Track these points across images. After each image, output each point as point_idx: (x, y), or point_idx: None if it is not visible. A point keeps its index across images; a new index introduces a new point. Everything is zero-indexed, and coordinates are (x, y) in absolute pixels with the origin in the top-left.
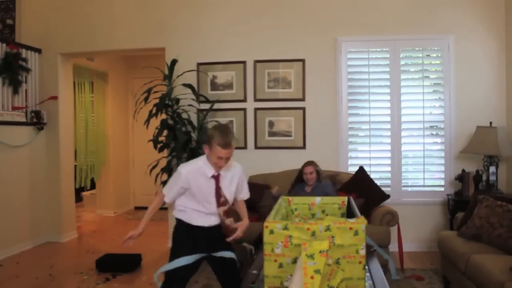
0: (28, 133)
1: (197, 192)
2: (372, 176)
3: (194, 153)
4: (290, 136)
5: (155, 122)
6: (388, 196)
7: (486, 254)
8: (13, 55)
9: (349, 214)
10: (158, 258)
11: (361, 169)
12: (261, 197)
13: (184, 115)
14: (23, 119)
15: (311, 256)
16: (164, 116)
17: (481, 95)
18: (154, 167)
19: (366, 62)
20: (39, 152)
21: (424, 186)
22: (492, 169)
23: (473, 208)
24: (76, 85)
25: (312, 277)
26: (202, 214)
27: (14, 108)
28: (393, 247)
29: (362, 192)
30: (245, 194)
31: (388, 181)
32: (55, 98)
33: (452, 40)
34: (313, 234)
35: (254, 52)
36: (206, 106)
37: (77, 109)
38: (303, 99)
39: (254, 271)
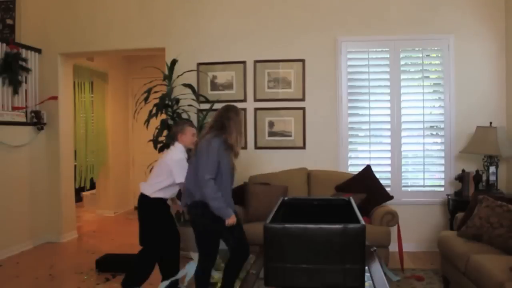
0: (28, 133)
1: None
2: None
3: None
4: (290, 136)
5: (155, 122)
6: (391, 197)
7: (486, 254)
8: (13, 55)
9: (350, 214)
10: None
11: (368, 167)
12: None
13: (184, 115)
14: (23, 119)
15: None
16: (164, 116)
17: (481, 95)
18: None
19: (366, 62)
20: (39, 152)
21: (424, 186)
22: (492, 169)
23: (473, 208)
24: (76, 85)
25: None
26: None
27: (14, 108)
28: (393, 247)
29: (366, 190)
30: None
31: (388, 181)
32: (55, 98)
33: (452, 40)
34: None
35: (254, 52)
36: (206, 106)
37: (77, 109)
38: (303, 99)
39: (254, 271)
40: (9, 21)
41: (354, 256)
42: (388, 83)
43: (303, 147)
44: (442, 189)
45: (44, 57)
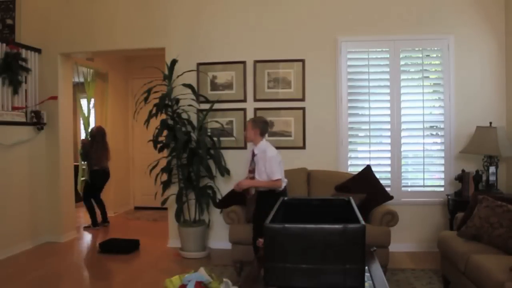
0: (28, 133)
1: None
2: None
3: (194, 153)
4: (290, 136)
5: (155, 122)
6: (391, 197)
7: (486, 254)
8: (13, 55)
9: (350, 215)
10: (158, 257)
11: (367, 167)
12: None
13: (184, 115)
14: (23, 119)
15: None
16: (164, 116)
17: (481, 95)
18: (154, 167)
19: (366, 62)
20: (39, 152)
21: (424, 186)
22: (492, 169)
23: (473, 208)
24: (76, 85)
25: None
26: None
27: (14, 108)
28: (393, 247)
29: (366, 190)
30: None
31: (388, 181)
32: (55, 98)
33: (452, 41)
34: None
35: (254, 52)
36: (206, 106)
37: (77, 109)
38: (303, 99)
39: (254, 271)
40: (9, 21)
41: (354, 256)
42: (388, 83)
43: (303, 147)
44: (442, 189)
45: (44, 57)
